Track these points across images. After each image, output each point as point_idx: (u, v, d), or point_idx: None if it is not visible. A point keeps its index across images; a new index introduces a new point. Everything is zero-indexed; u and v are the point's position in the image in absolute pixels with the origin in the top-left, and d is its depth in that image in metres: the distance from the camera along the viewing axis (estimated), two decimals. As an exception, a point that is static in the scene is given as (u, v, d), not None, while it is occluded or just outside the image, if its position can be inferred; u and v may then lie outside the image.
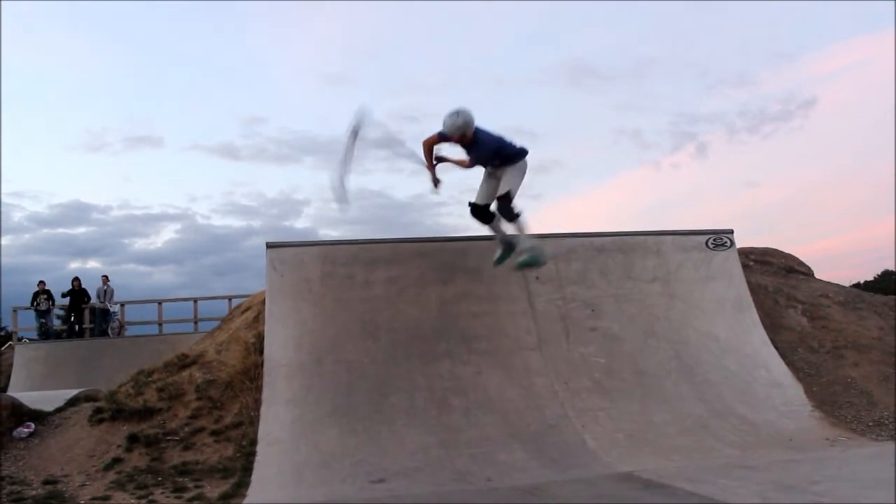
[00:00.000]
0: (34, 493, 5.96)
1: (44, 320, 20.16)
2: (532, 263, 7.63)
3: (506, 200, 7.37)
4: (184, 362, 8.22)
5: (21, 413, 7.66)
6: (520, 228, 7.52)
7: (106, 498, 5.80)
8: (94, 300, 20.56)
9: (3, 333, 33.67)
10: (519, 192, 7.45)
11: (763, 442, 6.78)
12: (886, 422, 7.37)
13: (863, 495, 4.67)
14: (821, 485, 5.03)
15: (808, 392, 7.85)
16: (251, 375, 7.59)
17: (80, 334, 20.19)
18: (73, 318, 20.37)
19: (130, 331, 21.55)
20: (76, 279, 20.43)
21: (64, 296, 20.25)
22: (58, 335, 20.05)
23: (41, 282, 20.42)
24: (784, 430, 7.09)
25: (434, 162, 7.58)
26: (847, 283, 13.56)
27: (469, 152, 7.44)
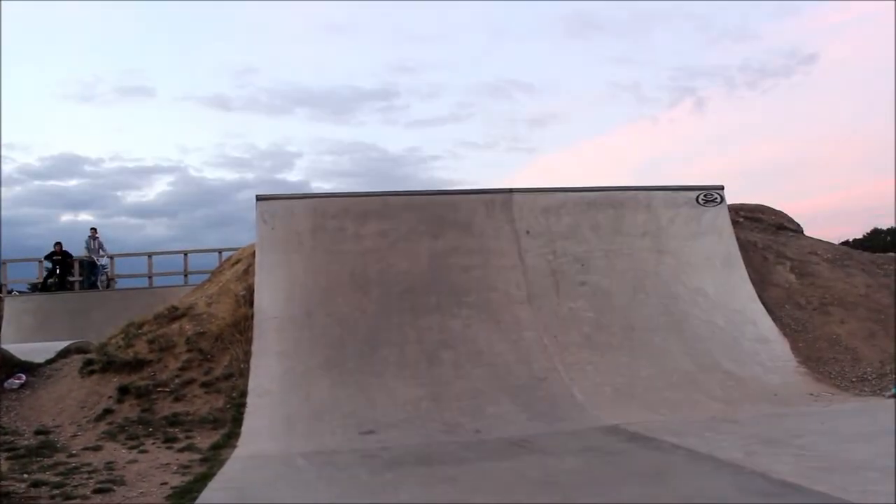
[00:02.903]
0: (27, 442, 5.99)
1: (52, 279, 20.17)
2: None
3: None
4: (174, 314, 8.21)
5: (11, 364, 7.68)
6: None
7: (97, 448, 5.84)
8: (82, 252, 20.49)
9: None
10: None
11: (748, 396, 6.86)
12: (869, 378, 7.47)
13: (844, 449, 4.74)
14: (804, 438, 5.10)
15: (794, 348, 7.93)
16: (241, 328, 7.60)
17: (64, 286, 20.17)
18: (58, 272, 20.32)
19: (121, 283, 21.51)
20: (58, 244, 20.38)
21: (47, 258, 20.21)
22: (47, 289, 20.01)
23: (58, 243, 20.38)
24: (769, 384, 7.17)
25: None
26: (837, 241, 13.61)
27: None
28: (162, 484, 4.77)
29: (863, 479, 3.92)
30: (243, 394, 6.71)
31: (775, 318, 8.38)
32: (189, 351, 7.48)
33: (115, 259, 21.86)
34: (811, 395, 6.97)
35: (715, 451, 4.83)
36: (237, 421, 6.33)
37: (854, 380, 7.43)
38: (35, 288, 21.08)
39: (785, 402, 6.66)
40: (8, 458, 5.47)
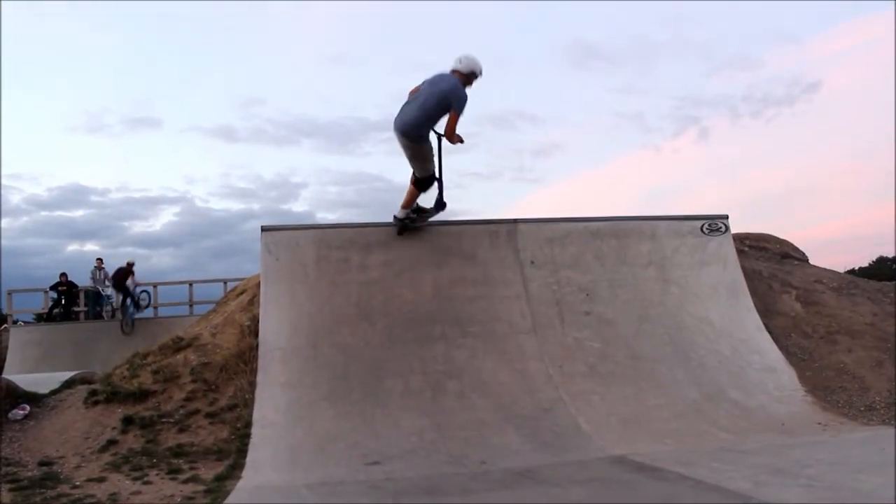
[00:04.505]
0: (30, 474, 5.98)
1: (57, 310, 20.26)
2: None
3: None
4: (179, 345, 8.22)
5: (16, 395, 7.67)
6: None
7: (101, 479, 5.82)
8: (87, 283, 20.60)
9: (-2, 316, 33.72)
10: None
11: (756, 426, 6.81)
12: (878, 407, 7.42)
13: (854, 479, 4.70)
14: (812, 468, 5.06)
15: (801, 377, 7.89)
16: (246, 358, 7.60)
17: (69, 316, 20.24)
18: (63, 302, 20.44)
19: (126, 314, 21.56)
20: (63, 274, 20.52)
21: (52, 288, 20.36)
22: (52, 319, 20.10)
23: (63, 274, 20.49)
24: (777, 414, 7.13)
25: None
26: (842, 270, 13.58)
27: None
28: (165, 516, 4.74)
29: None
30: (248, 424, 6.68)
31: (781, 347, 8.35)
32: (194, 381, 7.47)
33: (121, 289, 21.84)
34: (819, 424, 6.91)
35: (722, 482, 4.79)
36: (242, 452, 6.30)
37: (862, 409, 7.38)
38: (40, 318, 21.19)
39: (792, 432, 6.61)
40: (10, 490, 5.46)
